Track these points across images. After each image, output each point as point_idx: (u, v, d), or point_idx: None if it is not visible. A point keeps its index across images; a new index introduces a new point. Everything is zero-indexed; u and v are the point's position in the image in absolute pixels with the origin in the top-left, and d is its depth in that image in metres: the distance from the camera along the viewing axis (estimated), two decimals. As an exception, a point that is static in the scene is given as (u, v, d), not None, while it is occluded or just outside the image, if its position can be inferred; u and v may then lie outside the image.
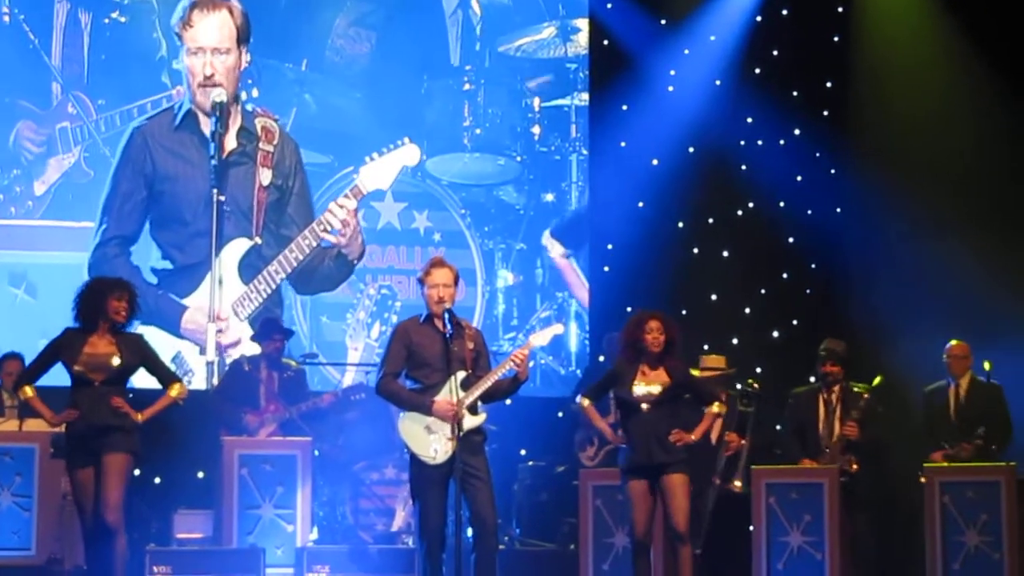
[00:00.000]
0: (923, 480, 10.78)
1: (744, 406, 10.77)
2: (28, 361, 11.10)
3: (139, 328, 9.34)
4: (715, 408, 9.45)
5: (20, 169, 12.83)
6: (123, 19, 13.05)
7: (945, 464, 10.70)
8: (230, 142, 12.81)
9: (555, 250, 13.90)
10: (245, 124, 12.89)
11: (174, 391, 9.01)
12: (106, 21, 13.03)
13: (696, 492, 10.09)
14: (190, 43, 12.72)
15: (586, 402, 9.51)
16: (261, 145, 12.94)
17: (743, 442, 10.69)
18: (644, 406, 9.18)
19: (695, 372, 10.27)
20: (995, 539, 10.24)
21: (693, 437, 9.28)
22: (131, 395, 8.97)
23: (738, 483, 10.57)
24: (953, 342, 11.30)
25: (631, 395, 9.23)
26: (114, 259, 12.60)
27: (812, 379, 11.21)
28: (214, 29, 12.74)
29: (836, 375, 10.84)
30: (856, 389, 10.79)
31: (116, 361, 8.77)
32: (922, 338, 12.00)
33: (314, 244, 12.73)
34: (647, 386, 9.23)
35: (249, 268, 12.77)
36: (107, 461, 8.66)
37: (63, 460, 9.09)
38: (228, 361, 12.14)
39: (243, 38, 12.74)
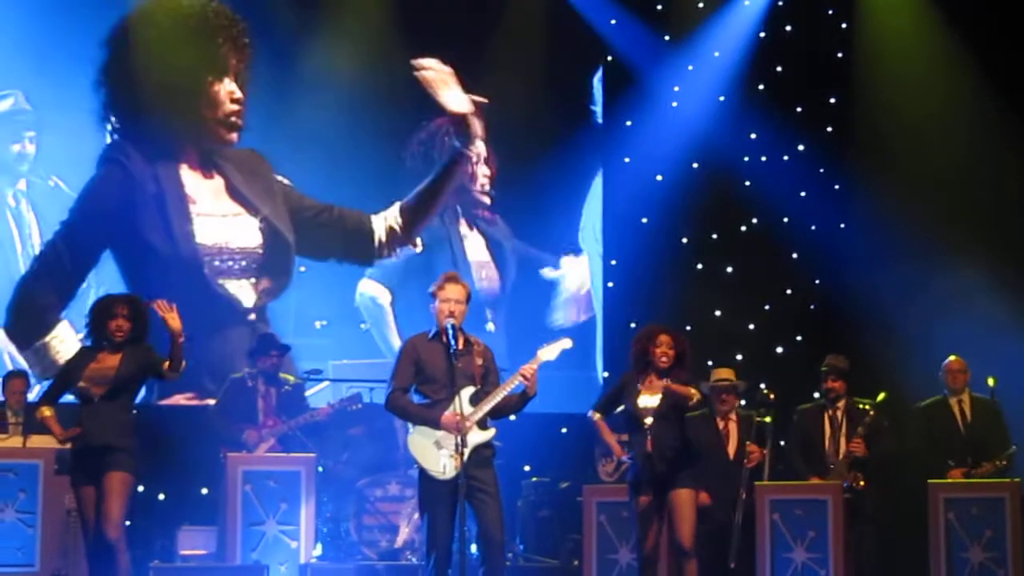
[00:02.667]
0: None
1: (760, 416, 10.69)
2: (30, 379, 11.30)
3: None
4: (692, 390, 9.19)
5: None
6: None
7: (951, 480, 10.67)
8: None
9: None
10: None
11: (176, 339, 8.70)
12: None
13: (718, 506, 10.13)
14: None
15: (597, 416, 9.48)
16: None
17: (764, 452, 10.60)
18: (648, 419, 9.16)
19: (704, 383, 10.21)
20: (1000, 555, 10.24)
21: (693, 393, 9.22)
22: (135, 412, 8.96)
23: None
24: (951, 357, 11.26)
25: (636, 407, 9.22)
26: None
27: (816, 395, 11.16)
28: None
29: (839, 391, 10.82)
30: (861, 405, 10.77)
31: (113, 372, 8.71)
32: (926, 352, 11.98)
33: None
34: (650, 398, 9.22)
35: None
36: (108, 479, 8.61)
37: (68, 476, 9.07)
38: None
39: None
